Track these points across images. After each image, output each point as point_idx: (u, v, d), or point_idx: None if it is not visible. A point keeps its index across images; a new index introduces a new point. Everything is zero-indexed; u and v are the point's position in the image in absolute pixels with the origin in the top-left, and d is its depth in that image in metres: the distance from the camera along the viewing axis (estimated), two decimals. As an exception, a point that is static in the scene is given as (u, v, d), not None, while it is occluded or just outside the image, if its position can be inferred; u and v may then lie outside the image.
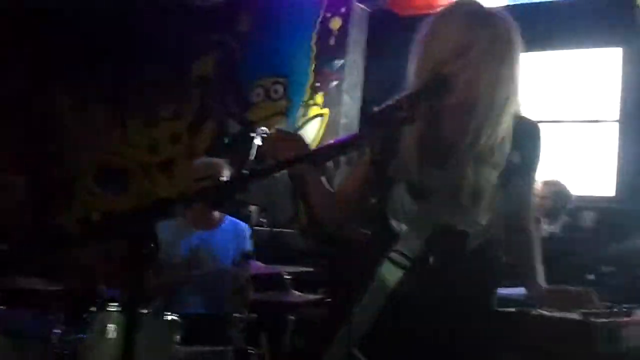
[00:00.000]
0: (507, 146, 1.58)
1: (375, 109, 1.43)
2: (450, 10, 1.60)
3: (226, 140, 4.55)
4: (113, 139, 6.32)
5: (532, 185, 1.73)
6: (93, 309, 2.71)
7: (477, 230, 1.57)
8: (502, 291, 2.38)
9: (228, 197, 3.09)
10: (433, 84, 1.50)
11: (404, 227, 1.58)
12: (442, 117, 1.59)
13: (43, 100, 6.31)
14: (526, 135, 1.64)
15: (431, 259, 1.55)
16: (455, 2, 1.65)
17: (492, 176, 1.55)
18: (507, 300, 1.76)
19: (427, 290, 1.55)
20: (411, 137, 1.57)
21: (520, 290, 1.88)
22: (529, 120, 1.67)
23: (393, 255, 1.56)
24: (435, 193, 1.56)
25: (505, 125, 1.57)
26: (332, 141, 1.34)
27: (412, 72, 1.59)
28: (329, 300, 3.12)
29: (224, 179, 3.36)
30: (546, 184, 4.35)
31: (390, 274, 1.55)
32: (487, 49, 1.52)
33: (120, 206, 6.23)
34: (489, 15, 1.58)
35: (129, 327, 0.94)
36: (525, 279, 1.74)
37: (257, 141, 4.70)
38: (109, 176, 6.35)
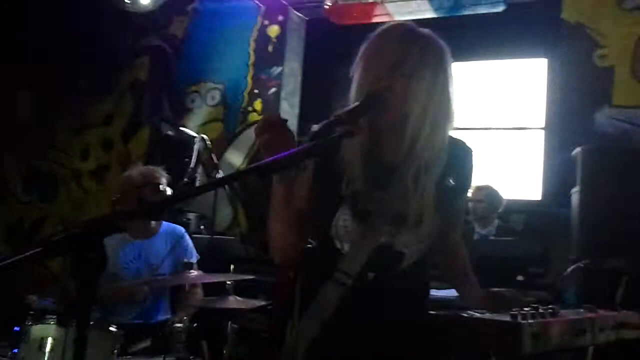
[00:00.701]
0: (442, 162, 1.65)
1: (315, 127, 1.47)
2: (386, 30, 1.67)
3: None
4: (41, 144, 6.14)
5: (464, 207, 1.83)
6: (28, 322, 2.62)
7: (413, 249, 1.66)
8: (435, 293, 2.48)
9: (171, 208, 3.07)
10: (370, 99, 1.56)
11: (346, 246, 1.63)
12: (381, 137, 1.64)
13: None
14: (460, 157, 1.72)
15: (370, 276, 1.63)
16: (392, 23, 1.72)
17: (430, 194, 1.62)
18: (441, 303, 1.86)
19: (366, 305, 1.63)
20: (354, 158, 1.60)
21: (452, 292, 2.00)
22: (462, 141, 1.75)
23: (336, 273, 1.62)
24: (377, 215, 1.62)
25: (440, 139, 1.63)
26: (274, 155, 1.34)
27: (353, 89, 1.65)
28: (269, 307, 3.13)
29: (162, 186, 3.32)
30: (479, 188, 4.53)
31: (333, 290, 1.60)
32: (418, 64, 1.59)
33: (51, 214, 6.06)
34: (421, 35, 1.66)
35: (80, 342, 0.95)
36: (459, 288, 1.87)
37: (196, 147, 4.69)
38: (38, 182, 6.17)
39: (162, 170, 3.43)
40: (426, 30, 1.67)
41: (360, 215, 1.62)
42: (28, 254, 0.96)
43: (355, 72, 1.65)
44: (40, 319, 2.69)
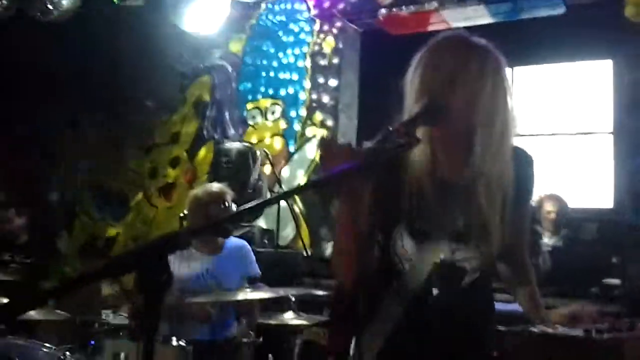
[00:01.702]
0: (510, 178, 1.61)
1: (367, 143, 1.46)
2: (442, 40, 1.65)
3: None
4: (111, 163, 6.39)
5: (528, 217, 1.76)
6: (102, 336, 2.72)
7: (475, 264, 1.63)
8: (501, 307, 2.41)
9: (237, 225, 3.12)
10: (429, 109, 1.54)
11: (406, 264, 1.62)
12: (443, 151, 1.62)
13: (44, 125, 6.39)
14: (521, 165, 1.67)
15: (435, 292, 1.61)
16: (446, 33, 1.69)
17: (498, 208, 1.59)
18: (507, 317, 1.80)
19: (431, 321, 1.61)
20: (418, 172, 1.59)
21: (514, 306, 1.92)
22: (523, 150, 1.71)
23: (398, 289, 1.62)
24: (437, 231, 1.60)
25: (508, 150, 1.61)
26: (334, 169, 1.33)
27: (408, 100, 1.62)
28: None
29: (228, 203, 3.38)
30: (548, 198, 4.40)
31: (395, 306, 1.60)
32: (479, 76, 1.57)
33: (123, 232, 6.28)
34: (478, 45, 1.63)
35: (147, 357, 0.98)
36: (526, 304, 1.78)
37: (258, 161, 4.76)
38: (109, 201, 6.40)
39: (226, 187, 3.50)
40: (482, 40, 1.65)
41: (419, 233, 1.60)
42: (94, 270, 1.00)
43: (410, 84, 1.62)
44: (114, 334, 2.78)
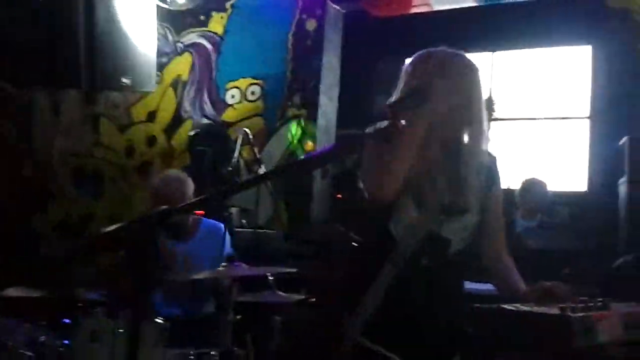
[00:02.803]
0: (485, 166, 1.88)
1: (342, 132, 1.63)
2: (425, 55, 1.87)
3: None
4: (87, 141, 6.30)
5: (500, 203, 1.97)
6: (78, 314, 2.70)
7: (458, 237, 1.85)
8: (471, 286, 2.47)
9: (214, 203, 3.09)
10: (414, 92, 1.75)
11: (400, 232, 1.81)
12: (431, 137, 1.81)
13: (21, 99, 6.26)
14: (493, 167, 1.93)
15: (424, 260, 1.81)
16: (429, 53, 1.89)
17: (474, 186, 1.85)
18: (484, 297, 1.86)
19: (419, 285, 1.81)
20: (412, 148, 1.76)
21: (488, 286, 2.01)
22: (491, 152, 1.94)
23: (393, 256, 1.78)
24: (430, 203, 1.81)
25: (483, 146, 1.87)
26: (321, 150, 1.39)
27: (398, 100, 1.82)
28: (313, 300, 3.16)
29: (183, 193, 3.32)
30: (525, 181, 4.46)
31: (390, 272, 1.77)
32: (465, 95, 1.83)
33: (98, 210, 6.21)
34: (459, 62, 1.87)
35: (134, 333, 0.98)
36: (503, 282, 1.95)
37: (239, 141, 4.73)
38: (85, 179, 6.33)
39: (182, 177, 3.45)
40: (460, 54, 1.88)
41: (418, 203, 1.81)
42: (84, 245, 0.99)
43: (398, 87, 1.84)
44: (89, 311, 2.76)
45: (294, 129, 5.54)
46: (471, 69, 1.87)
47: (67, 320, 2.87)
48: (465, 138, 1.86)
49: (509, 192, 4.10)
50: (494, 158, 1.95)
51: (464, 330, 1.82)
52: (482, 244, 1.92)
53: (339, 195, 5.15)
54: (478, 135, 1.86)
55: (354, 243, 1.99)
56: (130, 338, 0.96)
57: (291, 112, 5.59)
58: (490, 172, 1.91)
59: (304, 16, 5.64)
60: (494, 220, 1.93)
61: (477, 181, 1.84)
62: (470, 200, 1.82)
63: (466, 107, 1.82)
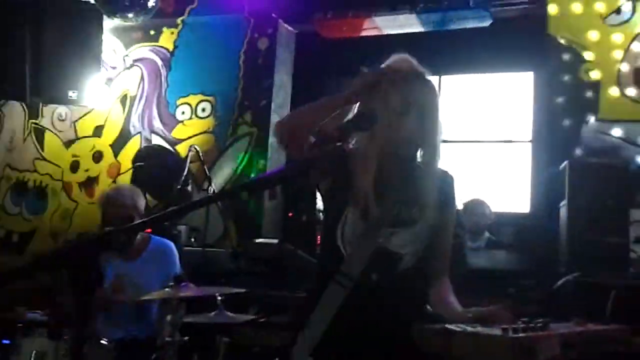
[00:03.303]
0: (437, 184, 1.83)
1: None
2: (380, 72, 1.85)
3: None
4: (28, 155, 6.14)
5: (451, 223, 1.93)
6: (18, 335, 2.61)
7: (409, 250, 1.80)
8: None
9: (166, 224, 3.06)
10: (361, 116, 1.70)
11: (347, 249, 1.77)
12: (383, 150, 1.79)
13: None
14: (449, 187, 1.90)
15: (374, 277, 1.76)
16: (398, 61, 1.87)
17: (430, 195, 1.81)
18: (430, 318, 1.88)
19: (367, 306, 1.76)
20: (365, 173, 1.77)
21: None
22: (446, 171, 1.91)
23: (337, 276, 1.74)
24: (378, 217, 1.77)
25: (436, 163, 1.84)
26: (271, 171, 1.38)
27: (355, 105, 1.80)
28: (263, 320, 3.14)
29: (126, 209, 3.29)
30: (470, 202, 4.57)
31: (335, 293, 1.72)
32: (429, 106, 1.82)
33: (41, 226, 6.03)
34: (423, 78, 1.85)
35: (77, 354, 0.96)
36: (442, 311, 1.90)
37: (188, 157, 4.70)
38: (26, 195, 6.14)
39: (131, 191, 3.43)
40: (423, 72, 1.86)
41: (365, 217, 1.77)
42: (26, 265, 0.97)
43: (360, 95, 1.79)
44: (29, 332, 2.67)
45: (246, 146, 5.54)
46: (429, 89, 1.84)
47: (6, 341, 2.78)
48: (419, 154, 1.84)
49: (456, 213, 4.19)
50: (452, 179, 1.93)
51: (418, 352, 1.71)
52: (430, 271, 1.87)
53: (291, 214, 5.17)
54: (432, 152, 1.83)
55: (303, 261, 1.95)
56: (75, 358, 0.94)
57: (242, 129, 5.58)
58: (445, 192, 1.87)
59: (256, 35, 5.67)
60: (443, 244, 1.90)
61: (430, 196, 1.80)
62: (422, 212, 1.78)
63: (420, 125, 1.79)
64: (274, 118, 5.55)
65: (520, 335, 1.54)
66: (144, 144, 5.84)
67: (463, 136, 5.45)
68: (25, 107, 6.20)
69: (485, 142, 5.49)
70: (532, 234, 4.52)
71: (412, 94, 1.79)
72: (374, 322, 1.75)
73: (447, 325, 1.69)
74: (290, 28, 5.77)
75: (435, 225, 1.82)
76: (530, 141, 5.21)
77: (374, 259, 1.75)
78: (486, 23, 4.89)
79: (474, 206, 4.60)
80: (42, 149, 6.18)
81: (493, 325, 1.64)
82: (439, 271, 1.91)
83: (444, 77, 5.36)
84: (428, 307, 1.93)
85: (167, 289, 2.96)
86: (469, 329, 1.67)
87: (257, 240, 4.43)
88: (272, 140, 5.49)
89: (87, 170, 6.01)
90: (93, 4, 5.24)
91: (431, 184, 1.81)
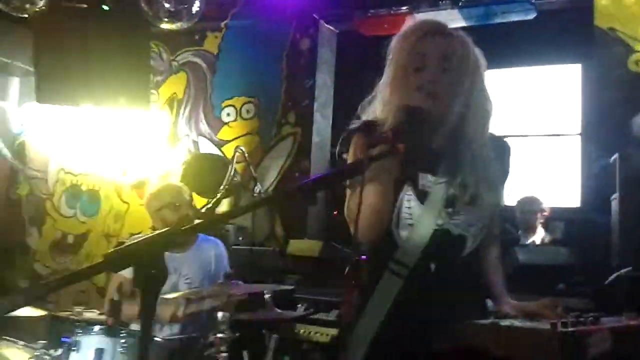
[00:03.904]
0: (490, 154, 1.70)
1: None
2: (418, 27, 1.77)
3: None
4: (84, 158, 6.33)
5: (501, 201, 1.81)
6: (78, 332, 2.72)
7: (473, 231, 1.69)
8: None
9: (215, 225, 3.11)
10: (408, 118, 1.60)
11: (403, 234, 1.65)
12: (428, 126, 1.67)
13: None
14: (498, 152, 1.78)
15: (431, 267, 1.65)
16: (419, 21, 1.82)
17: (488, 169, 1.68)
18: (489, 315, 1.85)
19: (428, 295, 1.64)
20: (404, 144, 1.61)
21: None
22: (500, 137, 1.82)
23: (391, 264, 1.64)
24: (432, 195, 1.65)
25: (487, 135, 1.71)
26: (318, 175, 1.39)
27: (386, 87, 1.76)
28: (311, 316, 3.18)
29: (179, 204, 3.37)
30: (523, 199, 4.51)
31: (389, 284, 1.62)
32: (464, 58, 1.70)
33: (94, 228, 6.22)
34: (454, 32, 1.75)
35: (142, 353, 1.01)
36: (495, 291, 1.83)
37: (234, 159, 4.78)
38: (79, 198, 6.34)
39: (177, 188, 3.49)
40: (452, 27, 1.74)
41: (421, 196, 1.65)
42: (92, 266, 1.02)
43: (390, 67, 1.73)
44: (87, 329, 2.77)
45: (290, 146, 5.59)
46: (451, 40, 1.71)
47: (65, 339, 2.89)
48: (468, 125, 1.68)
49: (508, 210, 4.14)
50: (508, 147, 1.82)
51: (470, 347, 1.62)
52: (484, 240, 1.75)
53: (335, 213, 5.19)
54: (480, 115, 1.70)
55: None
56: (141, 358, 0.99)
57: (286, 129, 5.64)
58: (503, 161, 1.76)
59: (298, 36, 5.71)
60: (492, 211, 1.74)
61: (490, 169, 1.68)
62: (484, 187, 1.64)
63: (453, 81, 1.67)
64: (317, 117, 5.59)
65: (570, 329, 1.52)
66: (191, 147, 5.95)
67: (510, 131, 5.37)
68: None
69: (533, 136, 5.40)
70: (583, 228, 4.42)
71: (423, 46, 1.67)
72: (433, 318, 1.61)
73: (496, 320, 1.69)
74: (331, 28, 5.80)
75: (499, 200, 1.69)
76: (580, 134, 5.10)
77: (433, 244, 1.63)
78: (531, 16, 4.81)
79: (527, 203, 4.53)
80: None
81: (542, 319, 1.64)
82: (493, 238, 1.80)
83: (489, 72, 5.29)
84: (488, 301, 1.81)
85: (217, 287, 3.03)
86: (518, 323, 1.66)
87: (302, 240, 4.46)
88: (315, 139, 5.52)
89: (137, 173, 6.16)
90: (139, 12, 5.38)
91: (487, 155, 1.68)
